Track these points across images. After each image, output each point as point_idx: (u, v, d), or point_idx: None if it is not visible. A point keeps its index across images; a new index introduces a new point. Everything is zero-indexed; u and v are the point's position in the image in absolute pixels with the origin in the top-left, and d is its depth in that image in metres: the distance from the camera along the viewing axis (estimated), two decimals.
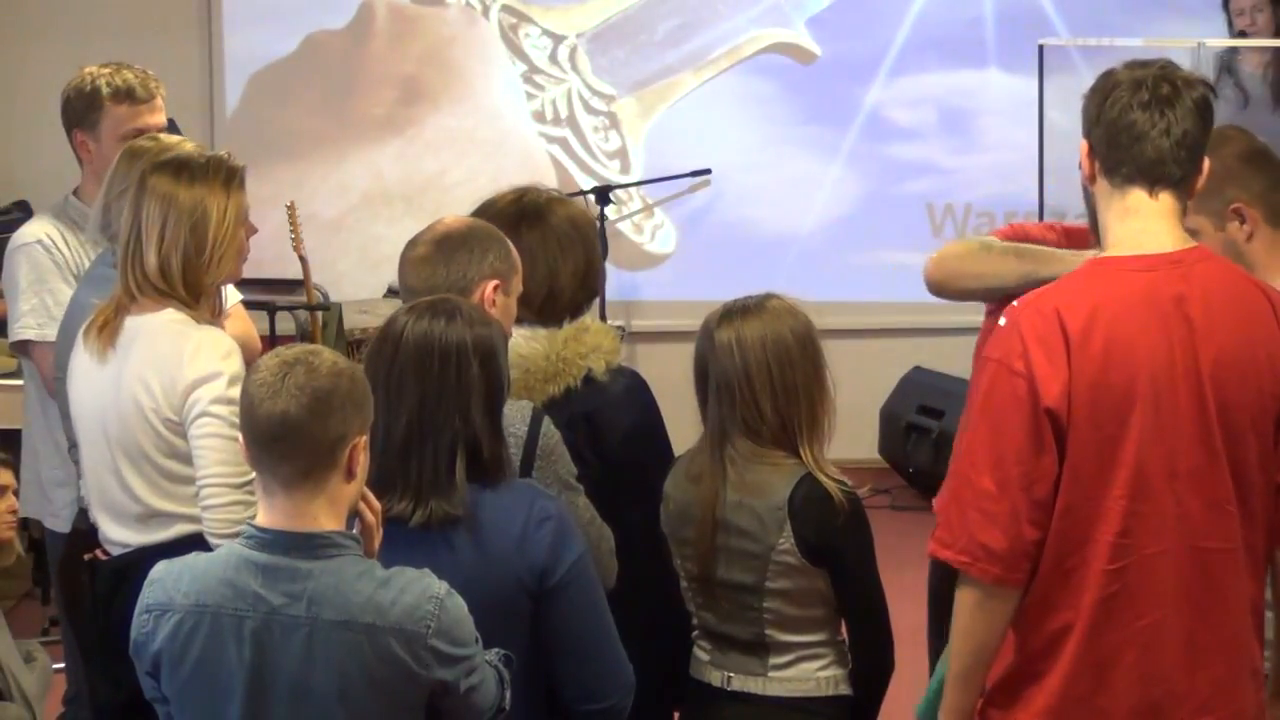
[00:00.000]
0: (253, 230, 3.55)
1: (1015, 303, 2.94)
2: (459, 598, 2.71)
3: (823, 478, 3.23)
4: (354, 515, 2.77)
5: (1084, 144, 2.92)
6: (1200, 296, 2.83)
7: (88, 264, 4.02)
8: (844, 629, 3.34)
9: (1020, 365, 2.80)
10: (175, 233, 3.41)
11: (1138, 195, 2.86)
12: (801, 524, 3.21)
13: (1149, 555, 2.81)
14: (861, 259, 8.03)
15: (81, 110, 4.24)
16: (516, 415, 3.14)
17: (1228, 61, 6.99)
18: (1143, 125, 2.84)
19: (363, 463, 2.71)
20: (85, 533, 3.74)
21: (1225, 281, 2.88)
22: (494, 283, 3.23)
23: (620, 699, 2.98)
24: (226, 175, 3.46)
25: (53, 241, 4.17)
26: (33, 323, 4.11)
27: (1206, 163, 2.91)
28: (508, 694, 2.82)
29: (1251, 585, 2.90)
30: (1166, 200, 2.86)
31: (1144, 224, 2.86)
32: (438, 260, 3.24)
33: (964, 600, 2.87)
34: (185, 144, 3.77)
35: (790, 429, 3.25)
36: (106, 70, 4.25)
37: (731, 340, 3.26)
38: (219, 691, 2.70)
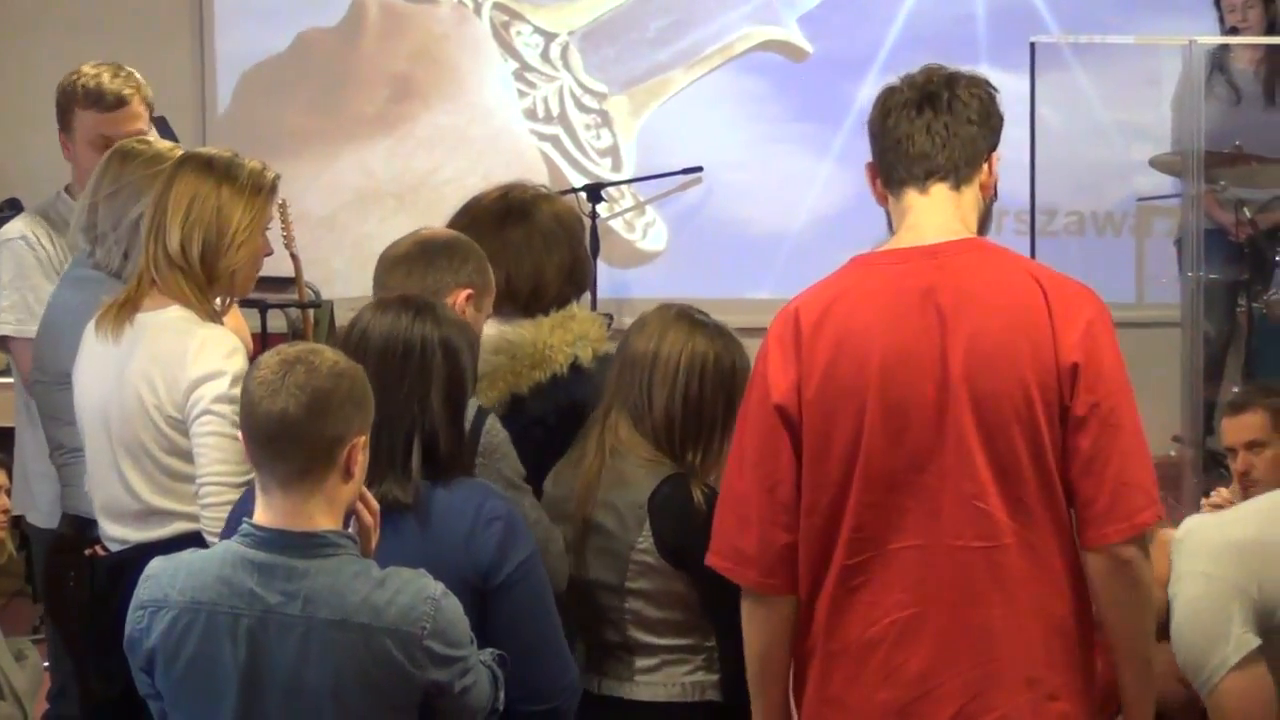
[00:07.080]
0: (268, 250, 3.55)
1: None
2: (455, 598, 2.71)
3: (691, 481, 3.19)
4: (351, 515, 2.77)
5: (868, 169, 2.93)
6: (953, 286, 2.76)
7: (69, 260, 4.01)
8: None
9: (760, 366, 2.82)
10: (200, 212, 3.40)
11: (911, 195, 2.86)
12: (660, 523, 3.18)
13: (892, 550, 2.75)
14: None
15: (61, 110, 4.27)
16: None
17: (1220, 58, 6.98)
18: (905, 127, 2.85)
19: (361, 463, 2.71)
20: (71, 537, 3.74)
21: (987, 271, 2.80)
22: (468, 292, 3.24)
23: (563, 701, 2.97)
24: (255, 184, 3.45)
25: (36, 238, 4.19)
26: (11, 318, 4.14)
27: (994, 156, 2.88)
28: (501, 694, 2.83)
29: (1040, 587, 2.76)
30: (939, 191, 2.84)
31: (915, 219, 2.85)
32: (418, 260, 3.26)
33: (742, 607, 2.89)
34: (175, 148, 3.77)
35: (673, 433, 3.22)
36: (90, 72, 4.24)
37: (657, 329, 3.25)
38: (213, 689, 2.70)
